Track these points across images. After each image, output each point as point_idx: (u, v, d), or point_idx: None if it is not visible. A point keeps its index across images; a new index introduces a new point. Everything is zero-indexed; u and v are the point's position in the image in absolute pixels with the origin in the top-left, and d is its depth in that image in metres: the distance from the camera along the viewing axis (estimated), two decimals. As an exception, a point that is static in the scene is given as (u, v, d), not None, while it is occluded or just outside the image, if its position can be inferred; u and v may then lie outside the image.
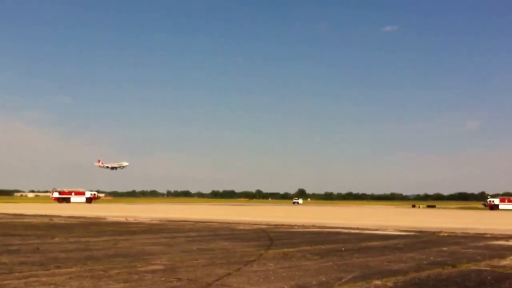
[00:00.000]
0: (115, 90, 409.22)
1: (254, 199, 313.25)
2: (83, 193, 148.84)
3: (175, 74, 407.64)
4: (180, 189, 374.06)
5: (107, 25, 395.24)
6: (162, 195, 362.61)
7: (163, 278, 12.54)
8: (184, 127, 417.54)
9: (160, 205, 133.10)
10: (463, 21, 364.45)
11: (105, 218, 47.31)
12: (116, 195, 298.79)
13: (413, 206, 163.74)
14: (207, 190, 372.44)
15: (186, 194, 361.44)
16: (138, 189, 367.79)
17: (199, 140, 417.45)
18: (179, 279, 12.43)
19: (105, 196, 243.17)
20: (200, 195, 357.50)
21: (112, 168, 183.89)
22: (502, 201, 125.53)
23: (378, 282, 12.32)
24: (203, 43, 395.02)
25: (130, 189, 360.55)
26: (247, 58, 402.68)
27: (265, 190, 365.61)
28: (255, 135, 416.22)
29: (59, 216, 50.05)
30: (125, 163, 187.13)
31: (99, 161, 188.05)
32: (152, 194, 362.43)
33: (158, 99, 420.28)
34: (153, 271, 13.68)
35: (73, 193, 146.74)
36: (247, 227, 35.55)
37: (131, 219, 45.55)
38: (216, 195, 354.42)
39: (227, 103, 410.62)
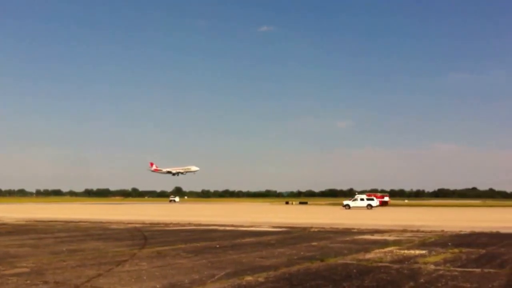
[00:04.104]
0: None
1: (130, 198, 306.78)
2: None
3: (34, 64, 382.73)
4: (50, 187, 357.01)
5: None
6: (31, 194, 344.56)
7: (28, 281, 11.98)
8: (54, 121, 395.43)
9: (28, 204, 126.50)
10: (336, 21, 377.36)
11: (-34, 219, 44.26)
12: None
13: (287, 202, 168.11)
14: (79, 188, 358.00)
15: (57, 193, 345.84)
16: (3, 188, 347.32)
17: (71, 135, 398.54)
18: (45, 282, 11.93)
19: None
20: (73, 194, 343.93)
21: (175, 173, 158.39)
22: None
23: (250, 278, 12.56)
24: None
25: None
26: (107, 50, 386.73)
27: (141, 188, 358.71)
28: (131, 131, 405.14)
29: None
30: (194, 168, 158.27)
31: (151, 164, 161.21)
32: (20, 193, 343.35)
33: (26, 91, 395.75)
34: (18, 274, 13.04)
35: None
36: (121, 226, 34.89)
37: (-5, 220, 43.01)
38: (89, 194, 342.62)
39: (99, 95, 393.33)
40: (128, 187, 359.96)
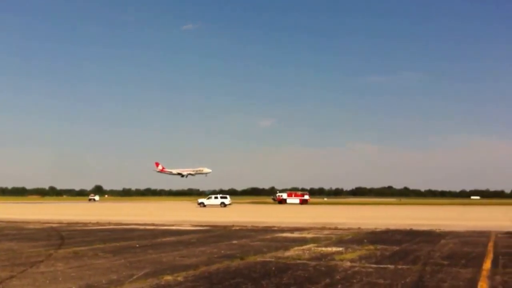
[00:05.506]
0: None
1: (47, 196, 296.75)
2: None
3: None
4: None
5: None
6: None
7: None
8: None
9: None
10: (259, 19, 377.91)
11: None
12: None
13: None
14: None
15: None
16: None
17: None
18: (-47, 285, 11.41)
19: None
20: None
21: (184, 175, 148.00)
22: (289, 195, 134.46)
23: (169, 278, 12.51)
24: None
25: None
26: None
27: (59, 186, 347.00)
28: (49, 126, 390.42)
29: None
30: (206, 169, 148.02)
31: (157, 164, 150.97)
32: None
33: None
34: None
35: None
36: (37, 226, 33.81)
37: None
38: (4, 192, 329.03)
39: (18, 88, 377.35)
40: (45, 185, 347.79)
